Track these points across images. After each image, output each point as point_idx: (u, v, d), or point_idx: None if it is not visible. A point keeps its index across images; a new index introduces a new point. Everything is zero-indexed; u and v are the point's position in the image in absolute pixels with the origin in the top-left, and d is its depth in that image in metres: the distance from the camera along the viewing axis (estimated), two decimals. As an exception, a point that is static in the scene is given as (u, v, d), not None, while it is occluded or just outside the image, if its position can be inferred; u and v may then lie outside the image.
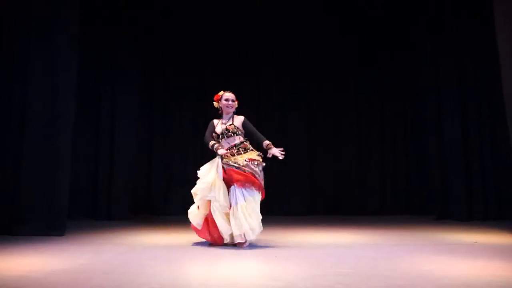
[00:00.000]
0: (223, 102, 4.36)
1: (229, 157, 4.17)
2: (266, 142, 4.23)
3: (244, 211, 4.03)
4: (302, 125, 7.39)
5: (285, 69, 7.54)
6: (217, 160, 4.20)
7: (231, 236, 4.12)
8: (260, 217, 4.16)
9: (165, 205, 7.30)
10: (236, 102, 4.41)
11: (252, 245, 4.18)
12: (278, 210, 6.90)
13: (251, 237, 4.07)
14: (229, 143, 4.25)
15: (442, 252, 3.86)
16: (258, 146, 4.35)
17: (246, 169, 4.09)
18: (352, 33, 7.50)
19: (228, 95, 4.39)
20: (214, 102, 4.44)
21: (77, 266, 3.32)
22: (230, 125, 4.28)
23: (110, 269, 3.21)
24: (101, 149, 6.68)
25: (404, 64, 7.48)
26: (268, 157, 4.21)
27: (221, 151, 4.16)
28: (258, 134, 4.31)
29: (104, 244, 4.36)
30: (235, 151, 4.20)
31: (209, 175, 4.17)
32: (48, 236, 4.66)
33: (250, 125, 4.35)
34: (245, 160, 4.13)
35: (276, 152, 4.13)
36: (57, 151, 4.91)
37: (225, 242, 4.16)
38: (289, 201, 7.17)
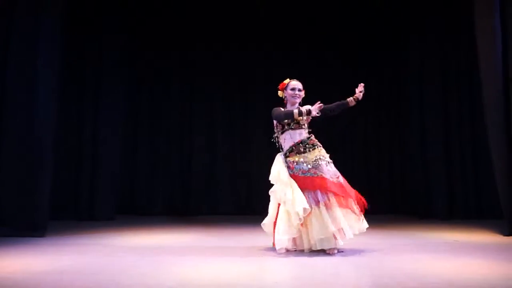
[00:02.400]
0: (289, 91, 3.94)
1: (294, 155, 3.80)
2: (349, 99, 3.96)
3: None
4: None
5: (275, 70, 7.51)
6: (280, 158, 3.85)
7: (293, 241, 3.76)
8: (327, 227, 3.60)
9: (149, 205, 7.23)
10: (303, 92, 3.98)
11: (237, 246, 4.17)
12: (262, 210, 6.89)
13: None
14: (293, 137, 3.84)
15: (425, 250, 3.92)
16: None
17: (317, 171, 3.69)
18: (339, 36, 7.55)
19: (295, 83, 3.97)
20: (279, 91, 4.05)
21: (59, 267, 3.27)
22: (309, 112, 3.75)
23: (93, 271, 3.16)
24: (84, 147, 6.57)
25: (390, 68, 7.56)
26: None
27: (309, 108, 3.70)
28: (333, 105, 3.96)
29: (87, 245, 4.30)
30: (302, 148, 3.79)
31: (280, 176, 3.77)
32: (29, 237, 4.56)
33: (326, 106, 3.89)
34: (313, 161, 3.73)
35: (358, 93, 3.94)
36: (38, 150, 4.82)
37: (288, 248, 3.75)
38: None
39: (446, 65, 6.67)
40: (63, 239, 4.62)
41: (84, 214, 6.39)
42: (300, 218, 3.57)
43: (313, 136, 3.92)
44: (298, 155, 3.81)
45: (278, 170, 3.81)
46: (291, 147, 3.85)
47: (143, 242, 4.48)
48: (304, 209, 3.57)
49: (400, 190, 7.44)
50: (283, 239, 3.69)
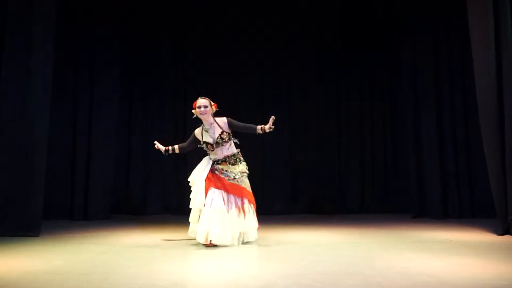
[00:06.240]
0: (197, 109, 4.34)
1: (227, 165, 4.35)
2: (258, 127, 4.24)
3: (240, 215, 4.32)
4: (283, 126, 7.42)
5: (266, 70, 7.54)
6: (207, 163, 4.38)
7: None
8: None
9: (143, 204, 7.21)
10: (213, 106, 4.36)
11: (232, 245, 4.17)
12: (258, 209, 6.89)
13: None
14: (222, 151, 4.34)
15: (418, 249, 3.94)
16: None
17: (241, 184, 4.35)
18: (333, 33, 7.56)
19: (201, 101, 4.33)
20: (193, 111, 4.39)
21: (53, 267, 3.26)
22: (222, 133, 4.31)
23: (87, 270, 3.16)
24: (78, 147, 6.54)
25: (384, 67, 7.58)
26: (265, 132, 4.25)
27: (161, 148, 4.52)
28: (248, 126, 4.36)
29: (81, 245, 4.29)
30: (232, 161, 4.37)
31: (198, 177, 4.36)
32: (23, 237, 4.55)
33: (236, 123, 4.38)
34: (239, 173, 4.36)
35: (267, 128, 4.19)
36: (33, 149, 4.80)
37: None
38: (270, 200, 7.19)
39: (439, 64, 6.67)
40: (57, 239, 4.61)
41: (78, 214, 6.37)
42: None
43: (240, 153, 4.48)
44: (228, 165, 4.36)
45: (202, 171, 4.35)
46: (225, 157, 4.35)
47: (137, 242, 4.47)
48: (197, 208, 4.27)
49: (394, 189, 7.46)
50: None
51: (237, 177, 4.33)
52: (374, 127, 7.63)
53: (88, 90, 6.60)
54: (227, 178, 4.31)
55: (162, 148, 4.53)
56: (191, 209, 4.37)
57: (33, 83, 4.83)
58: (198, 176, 4.35)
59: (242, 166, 4.42)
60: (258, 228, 4.45)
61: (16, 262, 3.41)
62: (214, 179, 4.31)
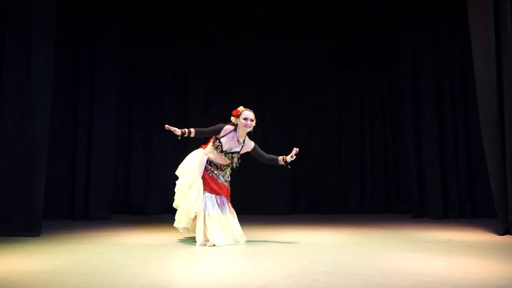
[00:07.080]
0: (242, 120, 4.24)
1: (217, 169, 4.35)
2: (280, 158, 4.29)
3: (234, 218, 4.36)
4: (284, 125, 7.42)
5: (266, 70, 7.53)
6: (203, 160, 4.31)
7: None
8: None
9: (144, 204, 7.21)
10: (255, 121, 4.29)
11: (231, 244, 4.18)
12: (259, 210, 6.91)
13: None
14: (224, 160, 4.33)
15: (418, 249, 3.94)
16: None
17: (227, 185, 4.40)
18: (333, 33, 7.55)
19: (248, 113, 4.27)
20: (232, 117, 4.31)
21: (54, 267, 3.26)
22: (239, 153, 4.31)
23: (87, 270, 3.16)
24: (78, 147, 6.55)
25: (383, 65, 7.58)
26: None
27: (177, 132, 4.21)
28: (269, 157, 4.35)
29: (82, 244, 4.29)
30: (224, 167, 4.38)
31: (190, 171, 4.29)
32: (23, 236, 4.54)
33: (259, 151, 4.36)
34: (228, 175, 4.41)
35: (289, 158, 4.23)
36: (33, 149, 4.80)
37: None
38: (270, 201, 7.19)
39: (439, 64, 6.67)
40: (58, 239, 4.61)
41: (79, 214, 6.37)
42: (190, 217, 4.22)
43: None
44: (218, 170, 4.36)
45: (198, 170, 4.27)
46: (221, 164, 4.35)
47: (137, 242, 4.47)
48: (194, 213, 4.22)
49: (394, 189, 7.47)
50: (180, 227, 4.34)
51: (227, 179, 4.39)
52: (374, 127, 7.63)
53: (88, 90, 6.60)
54: (220, 180, 4.33)
55: (177, 130, 4.19)
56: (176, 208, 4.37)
57: (33, 83, 4.83)
58: (195, 175, 4.25)
59: (229, 169, 4.44)
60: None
61: (16, 262, 3.41)
62: (209, 180, 4.29)
